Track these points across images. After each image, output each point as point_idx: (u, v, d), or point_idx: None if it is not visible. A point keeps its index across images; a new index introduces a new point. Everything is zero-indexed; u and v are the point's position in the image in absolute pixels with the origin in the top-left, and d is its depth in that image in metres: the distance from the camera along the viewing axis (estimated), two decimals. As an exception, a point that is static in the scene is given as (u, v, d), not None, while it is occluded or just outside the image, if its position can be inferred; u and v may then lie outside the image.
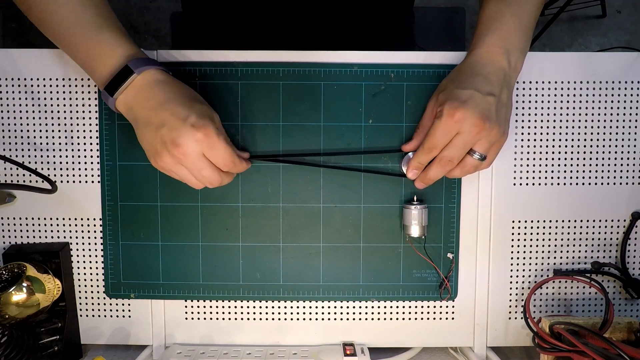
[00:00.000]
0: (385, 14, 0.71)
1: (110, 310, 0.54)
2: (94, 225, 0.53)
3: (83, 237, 0.53)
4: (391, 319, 0.54)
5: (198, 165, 0.43)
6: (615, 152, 0.53)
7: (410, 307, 0.54)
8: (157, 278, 0.53)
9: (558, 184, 0.53)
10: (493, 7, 0.47)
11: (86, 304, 0.54)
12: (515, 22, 0.46)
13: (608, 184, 0.53)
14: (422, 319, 0.54)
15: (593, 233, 0.53)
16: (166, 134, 0.42)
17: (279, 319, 0.54)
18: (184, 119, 0.42)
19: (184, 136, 0.41)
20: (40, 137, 0.52)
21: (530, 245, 0.53)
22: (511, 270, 0.54)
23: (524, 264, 0.53)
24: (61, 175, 0.52)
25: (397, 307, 0.54)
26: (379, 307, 0.54)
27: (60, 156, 0.52)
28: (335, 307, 0.54)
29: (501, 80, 0.45)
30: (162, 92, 0.43)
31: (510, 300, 0.54)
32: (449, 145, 0.44)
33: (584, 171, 0.53)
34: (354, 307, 0.54)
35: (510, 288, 0.54)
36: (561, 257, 0.53)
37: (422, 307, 0.54)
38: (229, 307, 0.54)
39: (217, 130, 0.43)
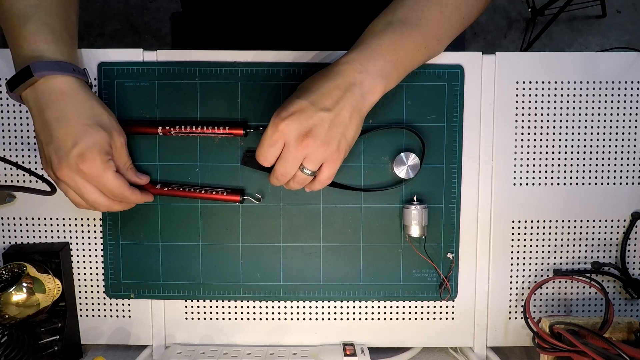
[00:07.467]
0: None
1: (110, 310, 0.54)
2: (94, 225, 0.53)
3: (83, 237, 0.53)
4: (391, 319, 0.54)
5: (81, 190, 0.43)
6: (615, 152, 0.53)
7: (410, 307, 0.54)
8: (157, 278, 0.53)
9: (558, 184, 0.53)
10: (379, 26, 0.45)
11: (86, 304, 0.54)
12: (390, 50, 0.43)
13: (608, 184, 0.53)
14: (422, 319, 0.54)
15: (593, 233, 0.53)
16: (52, 153, 0.42)
17: (279, 319, 0.54)
18: (69, 148, 0.41)
19: (65, 166, 0.41)
20: (40, 137, 0.52)
21: (530, 245, 0.53)
22: (511, 270, 0.54)
23: (524, 264, 0.53)
24: (61, 175, 0.52)
25: (397, 307, 0.54)
26: (379, 307, 0.54)
27: (60, 156, 0.52)
28: (335, 307, 0.54)
29: (345, 97, 0.41)
30: (59, 107, 0.42)
31: (510, 300, 0.54)
32: (280, 159, 0.43)
33: (584, 171, 0.53)
34: (354, 307, 0.54)
35: (510, 288, 0.54)
36: (561, 257, 0.53)
37: (422, 307, 0.54)
38: (229, 307, 0.54)
39: (104, 165, 0.42)
